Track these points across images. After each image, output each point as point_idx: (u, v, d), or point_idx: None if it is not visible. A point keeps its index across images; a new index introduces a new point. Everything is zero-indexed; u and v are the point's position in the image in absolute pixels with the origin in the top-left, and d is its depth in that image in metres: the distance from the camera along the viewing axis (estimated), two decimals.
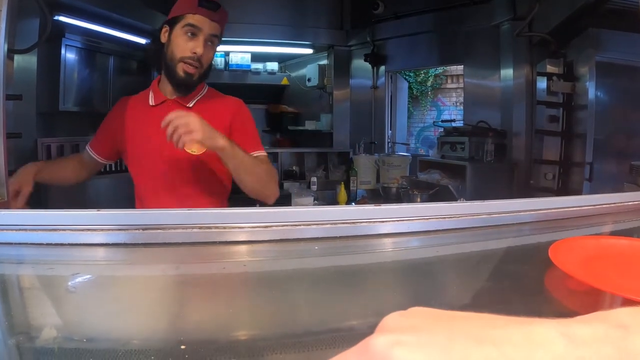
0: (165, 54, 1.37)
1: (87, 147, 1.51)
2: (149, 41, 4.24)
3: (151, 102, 1.42)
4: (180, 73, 1.34)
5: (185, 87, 1.38)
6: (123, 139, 1.44)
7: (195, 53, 1.32)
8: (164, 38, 1.39)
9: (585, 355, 0.18)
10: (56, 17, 3.29)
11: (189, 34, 1.32)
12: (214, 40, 1.36)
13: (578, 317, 0.20)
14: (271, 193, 1.39)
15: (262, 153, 1.44)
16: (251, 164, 1.31)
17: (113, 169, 3.76)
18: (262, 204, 1.44)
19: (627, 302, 0.47)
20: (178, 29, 1.34)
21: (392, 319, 0.23)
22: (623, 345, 0.18)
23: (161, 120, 1.36)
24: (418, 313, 0.23)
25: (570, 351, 0.18)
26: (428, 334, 0.20)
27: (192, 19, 1.32)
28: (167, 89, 1.42)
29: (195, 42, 1.32)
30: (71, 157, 1.47)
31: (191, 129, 1.15)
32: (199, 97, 1.45)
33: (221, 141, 1.20)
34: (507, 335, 0.19)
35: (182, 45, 1.33)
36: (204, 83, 1.48)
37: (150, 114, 1.40)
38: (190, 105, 1.42)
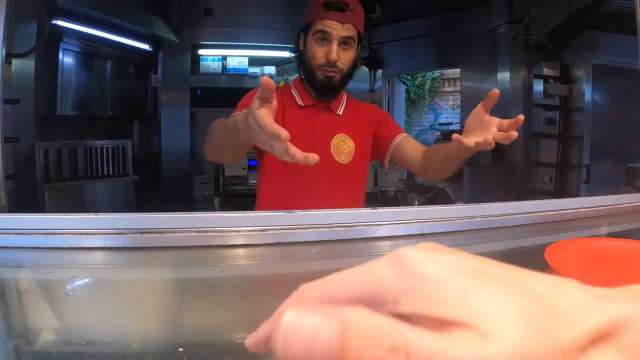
0: (304, 61, 1.34)
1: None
2: (149, 48, 4.27)
3: (300, 102, 1.37)
4: (320, 78, 1.30)
5: (327, 91, 1.34)
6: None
7: (329, 59, 1.27)
8: (301, 46, 1.36)
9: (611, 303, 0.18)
10: (54, 22, 3.29)
11: (320, 40, 1.28)
12: (349, 41, 1.29)
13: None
14: None
15: (406, 133, 1.44)
16: None
17: (112, 173, 3.76)
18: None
19: None
20: (310, 37, 1.30)
21: (407, 250, 0.22)
22: None
23: (311, 123, 1.36)
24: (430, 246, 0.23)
25: (595, 301, 0.18)
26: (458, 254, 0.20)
27: (321, 25, 1.26)
28: (313, 92, 1.38)
29: (328, 48, 1.27)
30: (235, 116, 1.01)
31: None
32: (344, 104, 1.42)
33: None
34: (534, 277, 0.20)
35: (316, 53, 1.28)
36: (343, 92, 1.44)
37: (299, 115, 1.36)
38: (340, 113, 1.40)
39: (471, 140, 0.97)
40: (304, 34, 1.35)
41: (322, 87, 1.32)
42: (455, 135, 1.00)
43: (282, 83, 4.50)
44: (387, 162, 1.44)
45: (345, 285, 0.20)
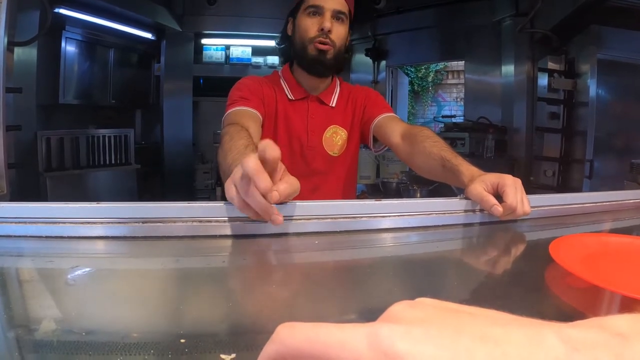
0: (295, 43, 1.31)
1: (249, 110, 1.21)
2: (152, 37, 4.25)
3: (290, 96, 1.34)
4: (313, 52, 1.25)
5: (319, 68, 1.28)
6: (264, 121, 1.30)
7: (322, 29, 1.24)
8: (290, 31, 1.34)
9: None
10: (56, 10, 3.28)
11: (312, 13, 1.25)
12: (342, 17, 1.27)
13: (577, 322, 0.21)
14: None
15: (392, 113, 1.37)
16: None
17: (114, 162, 3.76)
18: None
19: (627, 300, 0.47)
20: (301, 14, 1.27)
21: (400, 309, 0.23)
22: (620, 352, 0.18)
23: (303, 117, 1.34)
24: (425, 304, 0.24)
25: (570, 355, 0.19)
26: (434, 328, 0.20)
27: None
28: (304, 82, 1.35)
29: (321, 19, 1.24)
30: (243, 138, 0.95)
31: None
32: (336, 94, 1.39)
33: None
34: (510, 335, 0.20)
35: (309, 26, 1.25)
36: (336, 78, 1.42)
37: (291, 108, 1.34)
38: (333, 105, 1.38)
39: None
40: (292, 18, 1.32)
41: (315, 62, 1.27)
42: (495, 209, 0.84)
43: None
44: (372, 144, 1.40)
45: (323, 346, 0.21)
